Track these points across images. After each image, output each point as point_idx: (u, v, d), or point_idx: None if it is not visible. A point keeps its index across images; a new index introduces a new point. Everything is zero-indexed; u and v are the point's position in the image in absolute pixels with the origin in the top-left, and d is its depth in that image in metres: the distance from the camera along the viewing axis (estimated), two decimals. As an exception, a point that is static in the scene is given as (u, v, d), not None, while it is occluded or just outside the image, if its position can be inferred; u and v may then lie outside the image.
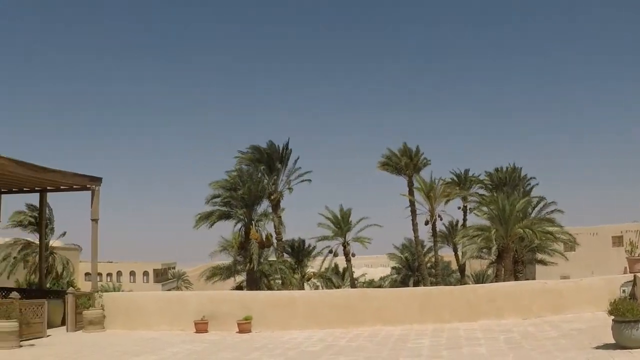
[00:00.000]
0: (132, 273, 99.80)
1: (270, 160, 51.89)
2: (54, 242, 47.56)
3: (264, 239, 47.57)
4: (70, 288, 24.80)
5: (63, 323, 21.86)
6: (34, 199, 38.59)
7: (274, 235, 50.02)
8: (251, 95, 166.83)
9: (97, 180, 23.03)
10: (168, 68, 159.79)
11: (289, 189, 51.89)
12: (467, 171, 67.95)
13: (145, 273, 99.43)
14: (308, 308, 20.22)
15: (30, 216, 42.80)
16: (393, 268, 70.77)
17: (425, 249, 63.32)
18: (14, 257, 45.48)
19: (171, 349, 16.88)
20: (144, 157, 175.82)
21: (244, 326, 19.72)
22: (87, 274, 65.46)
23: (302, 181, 52.78)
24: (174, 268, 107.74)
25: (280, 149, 52.96)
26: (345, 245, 58.41)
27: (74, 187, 23.70)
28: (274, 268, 49.33)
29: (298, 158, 53.47)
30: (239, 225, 47.33)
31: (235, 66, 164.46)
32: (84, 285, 51.05)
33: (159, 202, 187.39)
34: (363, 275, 71.76)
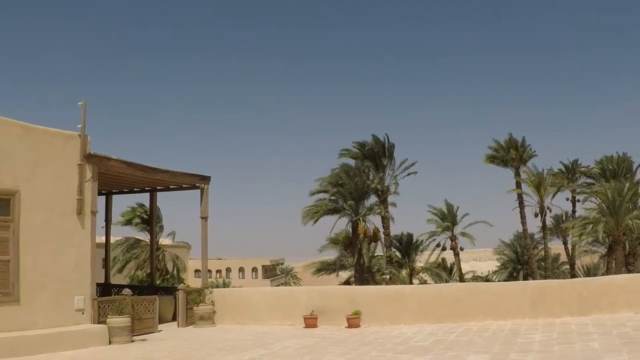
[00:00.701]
0: (241, 269, 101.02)
1: (375, 155, 51.36)
2: (163, 240, 48.34)
3: (372, 234, 47.17)
4: (181, 284, 24.99)
5: (174, 319, 22.09)
6: (142, 198, 39.41)
7: (382, 230, 49.50)
8: (353, 90, 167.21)
9: (206, 179, 23.10)
10: (274, 68, 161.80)
11: (395, 183, 51.23)
12: (575, 161, 65.82)
13: (254, 269, 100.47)
14: (417, 302, 19.69)
15: (139, 215, 43.53)
16: (501, 262, 69.17)
17: (534, 242, 61.56)
18: (125, 255, 46.35)
19: (281, 344, 16.68)
20: (251, 154, 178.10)
21: (353, 321, 19.36)
22: (196, 270, 66.37)
23: (409, 174, 52.00)
24: (282, 264, 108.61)
25: (385, 143, 52.33)
26: (453, 239, 57.45)
27: (184, 186, 23.87)
28: (382, 263, 48.88)
29: (406, 160, 52.72)
30: (346, 220, 47.08)
31: (337, 63, 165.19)
32: (194, 282, 51.73)
33: (267, 198, 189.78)
34: (472, 270, 70.65)
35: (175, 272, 49.22)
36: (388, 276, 48.33)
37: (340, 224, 48.18)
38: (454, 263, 59.41)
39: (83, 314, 17.68)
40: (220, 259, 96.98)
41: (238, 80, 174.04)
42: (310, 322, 19.91)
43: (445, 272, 58.72)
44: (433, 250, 58.72)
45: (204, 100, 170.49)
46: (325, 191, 47.07)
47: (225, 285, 58.30)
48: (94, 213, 18.33)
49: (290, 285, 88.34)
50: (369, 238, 46.80)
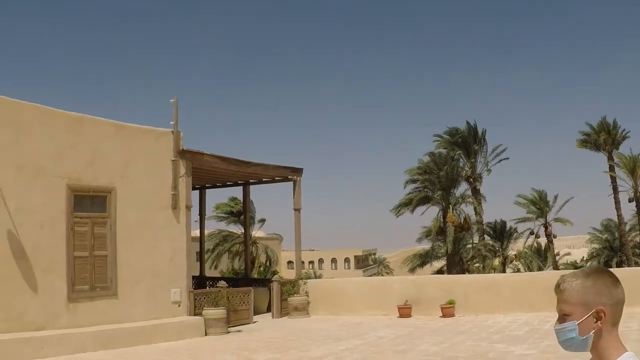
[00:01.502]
0: (334, 260, 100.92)
1: (466, 142, 50.36)
2: (256, 233, 48.55)
3: (462, 222, 46.41)
4: (276, 276, 24.92)
5: (268, 310, 22.11)
6: (235, 191, 39.64)
7: (474, 218, 48.60)
8: (444, 79, 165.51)
9: (298, 171, 23.06)
10: (364, 60, 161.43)
11: (487, 170, 50.13)
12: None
13: (347, 260, 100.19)
14: (511, 291, 19.23)
15: (232, 208, 43.79)
16: (594, 249, 67.15)
17: (629, 228, 59.45)
18: (218, 248, 46.69)
19: (375, 333, 16.54)
20: (343, 145, 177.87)
21: (448, 310, 19.05)
22: (289, 262, 66.54)
23: (500, 161, 50.79)
24: (374, 254, 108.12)
25: (476, 130, 51.26)
26: (546, 226, 56.00)
27: (276, 178, 23.90)
28: (474, 251, 48.10)
29: (499, 145, 51.53)
30: (438, 209, 46.45)
31: (428, 53, 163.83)
32: (286, 273, 51.81)
33: (359, 189, 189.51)
34: (565, 255, 68.83)
35: (268, 264, 49.40)
36: (480, 265, 47.51)
37: (432, 213, 47.68)
38: (547, 250, 57.94)
39: (179, 306, 17.84)
40: (313, 250, 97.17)
41: (329, 74, 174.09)
42: (405, 311, 19.69)
43: (539, 259, 57.35)
44: (527, 238, 57.39)
45: (295, 95, 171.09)
46: (416, 181, 46.48)
47: (318, 276, 58.20)
48: (188, 207, 18.48)
49: (382, 275, 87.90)
50: (460, 226, 46.01)
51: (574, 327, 2.68)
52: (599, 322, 2.65)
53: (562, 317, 2.73)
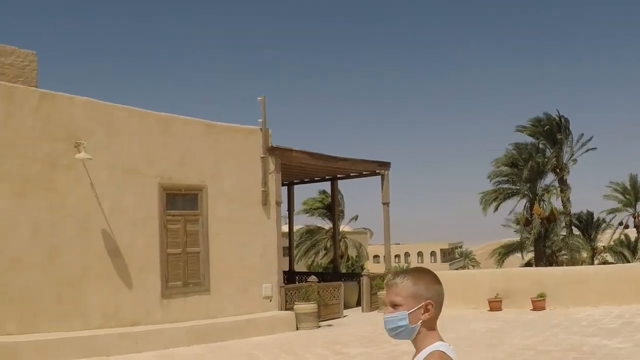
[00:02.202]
0: (420, 254, 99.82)
1: (550, 132, 48.76)
2: (344, 227, 48.26)
3: (549, 214, 45.08)
4: (365, 270, 24.70)
5: (358, 304, 21.76)
6: (322, 186, 39.40)
7: (560, 210, 47.14)
8: (526, 70, 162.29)
9: (386, 165, 22.63)
10: (445, 54, 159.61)
11: (573, 160, 48.50)
12: None
13: (433, 253, 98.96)
14: (603, 284, 18.42)
15: (320, 202, 43.53)
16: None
17: None
18: (306, 243, 46.53)
19: (467, 327, 16.10)
20: (427, 138, 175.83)
21: (538, 303, 18.38)
22: (375, 256, 66.07)
23: (587, 150, 49.05)
24: (460, 247, 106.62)
25: (561, 119, 49.61)
26: (635, 216, 54.06)
27: (364, 173, 23.53)
28: (562, 243, 46.70)
29: (582, 135, 49.80)
30: (523, 201, 45.21)
31: (512, 42, 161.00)
32: (372, 267, 51.45)
33: (444, 182, 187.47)
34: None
35: (353, 258, 48.99)
36: (569, 257, 46.15)
37: (518, 205, 46.47)
38: (637, 241, 55.92)
39: (271, 301, 17.69)
40: (399, 244, 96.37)
41: (413, 68, 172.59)
42: (495, 305, 19.12)
43: (628, 250, 55.45)
44: (615, 229, 55.50)
45: (379, 89, 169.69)
46: (501, 172, 45.30)
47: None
48: (278, 203, 18.33)
49: (468, 268, 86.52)
50: (546, 218, 44.71)
51: (405, 316, 3.01)
52: (426, 313, 3.03)
53: (393, 307, 3.04)
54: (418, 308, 3.01)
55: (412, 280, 3.04)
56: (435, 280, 3.09)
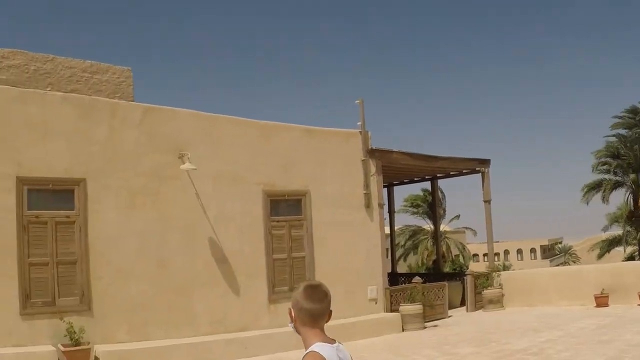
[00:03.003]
0: (519, 251, 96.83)
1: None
2: (444, 227, 47.08)
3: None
4: (469, 269, 23.86)
5: (462, 304, 21.00)
6: (420, 187, 38.47)
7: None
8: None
9: (486, 162, 21.65)
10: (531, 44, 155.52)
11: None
12: None
13: (532, 250, 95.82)
14: None
15: (417, 202, 42.39)
16: None
17: None
18: (406, 244, 45.54)
19: (575, 324, 15.28)
20: (525, 134, 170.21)
21: (647, 298, 17.23)
22: (474, 255, 64.30)
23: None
24: (560, 243, 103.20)
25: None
26: None
27: (464, 171, 22.61)
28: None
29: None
30: (628, 193, 42.86)
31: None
32: (472, 266, 50.04)
33: (543, 178, 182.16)
34: None
35: (453, 257, 47.65)
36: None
37: (619, 198, 44.23)
38: None
39: (376, 303, 17.11)
40: (497, 241, 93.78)
41: (512, 65, 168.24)
42: (601, 300, 18.20)
43: None
44: None
45: (475, 87, 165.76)
46: (603, 164, 43.00)
47: (506, 268, 55.89)
48: (380, 206, 17.72)
49: (569, 264, 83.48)
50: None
51: (290, 321, 3.49)
52: (292, 320, 3.48)
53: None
54: (290, 315, 3.49)
55: (293, 293, 3.51)
56: (303, 293, 3.43)
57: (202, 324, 14.17)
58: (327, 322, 3.61)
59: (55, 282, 12.70)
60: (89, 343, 12.22)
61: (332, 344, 3.44)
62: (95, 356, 12.26)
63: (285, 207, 15.97)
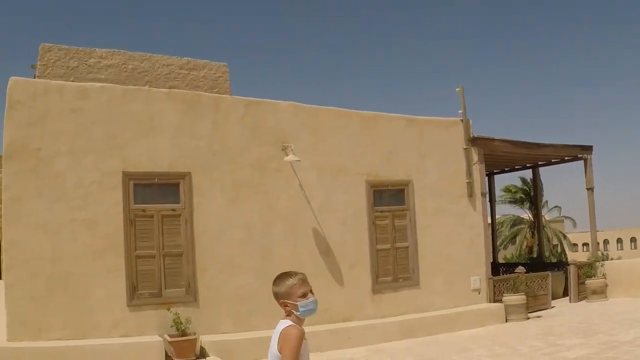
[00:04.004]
0: (619, 240, 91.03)
1: None
2: (543, 216, 44.39)
3: None
4: (571, 259, 22.01)
5: (564, 294, 19.15)
6: (518, 176, 36.27)
7: None
8: None
9: (588, 149, 19.65)
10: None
11: None
12: None
13: (633, 239, 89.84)
14: None
15: (520, 191, 39.92)
16: None
17: None
18: (507, 233, 43.16)
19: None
20: (629, 118, 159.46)
21: None
22: (573, 244, 60.84)
23: None
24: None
25: None
26: None
27: (565, 158, 20.64)
28: None
29: None
30: None
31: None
32: (571, 256, 47.17)
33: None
34: None
35: (552, 247, 44.75)
36: None
37: None
38: None
39: (479, 293, 15.70)
40: (598, 230, 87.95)
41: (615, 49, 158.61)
42: None
43: None
44: None
45: (574, 73, 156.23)
46: None
47: (604, 257, 52.54)
48: (483, 194, 16.23)
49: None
50: None
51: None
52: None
53: (312, 293, 3.93)
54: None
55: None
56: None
57: (306, 314, 13.14)
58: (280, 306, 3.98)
59: (162, 274, 12.08)
60: (195, 333, 11.56)
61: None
62: (201, 346, 11.62)
63: (388, 197, 14.78)
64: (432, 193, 15.20)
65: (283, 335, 3.75)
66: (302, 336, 3.74)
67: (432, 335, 13.96)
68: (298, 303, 3.83)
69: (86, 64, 12.80)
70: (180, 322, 11.37)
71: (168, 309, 11.55)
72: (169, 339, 11.19)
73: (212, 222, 12.53)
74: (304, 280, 3.91)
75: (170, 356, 11.14)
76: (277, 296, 3.94)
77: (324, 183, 13.77)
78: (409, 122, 15.25)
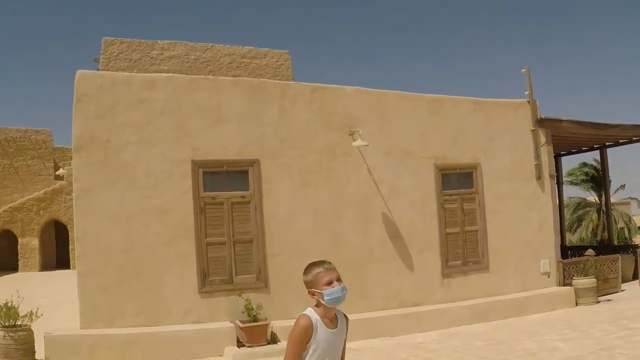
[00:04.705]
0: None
1: None
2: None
3: None
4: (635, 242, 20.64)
5: (634, 277, 17.93)
6: (585, 157, 34.38)
7: None
8: None
9: (657, 126, 18.03)
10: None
11: None
12: None
13: None
14: None
15: (584, 174, 37.78)
16: None
17: None
18: (572, 216, 40.97)
19: None
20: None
21: None
22: (639, 227, 57.63)
23: None
24: None
25: None
26: None
27: (633, 139, 19.09)
28: None
29: None
30: None
31: None
32: (636, 239, 44.66)
33: None
34: None
35: (619, 230, 42.18)
36: None
37: None
38: None
39: (549, 277, 14.61)
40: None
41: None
42: None
43: None
44: None
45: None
46: None
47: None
48: (552, 176, 15.11)
49: None
50: None
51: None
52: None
53: (339, 281, 3.65)
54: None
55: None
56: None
57: (376, 299, 12.50)
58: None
59: (232, 260, 11.47)
60: (266, 319, 10.97)
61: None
62: (272, 332, 10.99)
63: (456, 180, 13.80)
64: (500, 176, 14.17)
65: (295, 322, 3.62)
66: (308, 326, 3.56)
67: (502, 319, 13.07)
68: (323, 291, 3.62)
69: (148, 56, 12.31)
70: (252, 308, 10.83)
71: (240, 295, 11.03)
72: (240, 324, 10.70)
73: (281, 208, 11.87)
74: (329, 269, 3.70)
75: (241, 342, 10.66)
76: (305, 285, 3.74)
77: (392, 167, 12.92)
78: (475, 105, 14.21)
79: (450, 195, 13.48)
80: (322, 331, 3.60)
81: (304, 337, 3.54)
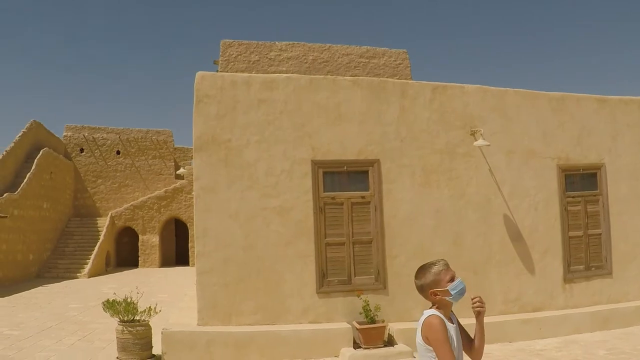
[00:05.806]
0: None
1: None
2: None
3: None
4: None
5: None
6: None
7: None
8: None
9: None
10: None
11: None
12: None
13: None
14: None
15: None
16: None
17: None
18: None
19: None
20: None
21: None
22: None
23: None
24: None
25: None
26: None
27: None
28: None
29: None
30: None
31: None
32: None
33: None
34: None
35: None
36: None
37: None
38: None
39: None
40: None
41: None
42: None
43: None
44: None
45: None
46: None
47: None
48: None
49: None
50: None
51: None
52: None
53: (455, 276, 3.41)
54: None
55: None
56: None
57: (496, 303, 11.09)
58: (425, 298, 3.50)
59: (351, 261, 10.40)
60: (384, 321, 9.88)
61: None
62: (389, 334, 9.93)
63: (579, 181, 12.15)
64: (625, 176, 12.43)
65: (426, 325, 3.34)
66: (444, 323, 3.32)
67: (626, 327, 11.43)
68: (448, 287, 3.38)
69: (267, 57, 11.36)
70: (370, 309, 9.79)
71: (359, 296, 9.99)
72: (357, 326, 9.70)
73: (401, 209, 10.71)
74: (448, 266, 3.47)
75: (357, 343, 9.69)
76: (424, 288, 3.45)
77: (514, 168, 11.46)
78: (600, 102, 12.45)
79: (573, 197, 11.82)
80: (449, 328, 3.40)
81: (446, 334, 3.30)
